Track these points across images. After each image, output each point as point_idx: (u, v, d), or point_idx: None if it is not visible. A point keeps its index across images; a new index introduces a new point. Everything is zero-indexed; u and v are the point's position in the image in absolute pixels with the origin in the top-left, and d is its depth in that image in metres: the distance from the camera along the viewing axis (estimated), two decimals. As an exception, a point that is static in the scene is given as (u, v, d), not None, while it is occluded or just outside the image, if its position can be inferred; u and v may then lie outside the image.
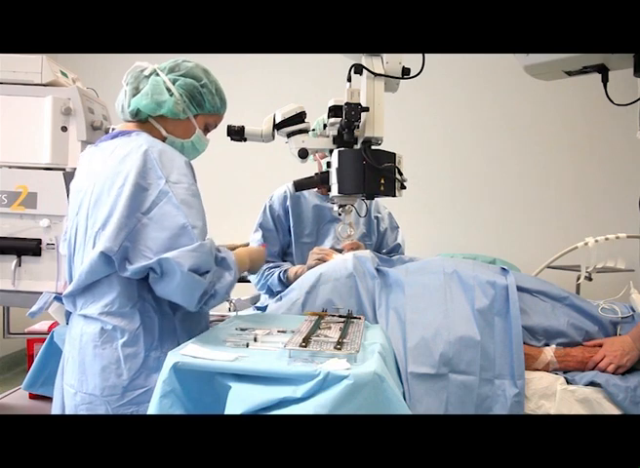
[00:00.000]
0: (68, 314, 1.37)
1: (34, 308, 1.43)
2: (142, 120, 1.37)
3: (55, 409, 1.35)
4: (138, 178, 1.19)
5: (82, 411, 1.22)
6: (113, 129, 1.43)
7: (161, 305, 1.24)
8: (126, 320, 1.21)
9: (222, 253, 1.26)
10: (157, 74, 1.35)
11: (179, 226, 1.17)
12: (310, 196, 2.19)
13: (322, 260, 1.88)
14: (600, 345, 1.46)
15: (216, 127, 1.46)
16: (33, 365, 1.60)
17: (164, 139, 1.37)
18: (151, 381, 1.17)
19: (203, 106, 1.38)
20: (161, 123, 1.37)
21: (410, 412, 1.04)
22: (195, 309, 1.21)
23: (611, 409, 1.34)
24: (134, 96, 1.35)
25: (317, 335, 1.17)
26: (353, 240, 1.83)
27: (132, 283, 1.22)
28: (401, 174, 1.45)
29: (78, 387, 1.23)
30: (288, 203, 2.16)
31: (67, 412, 1.27)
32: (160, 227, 1.17)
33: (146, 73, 1.35)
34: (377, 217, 2.25)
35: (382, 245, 2.25)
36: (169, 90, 1.34)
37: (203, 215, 1.23)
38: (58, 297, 1.38)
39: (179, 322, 1.27)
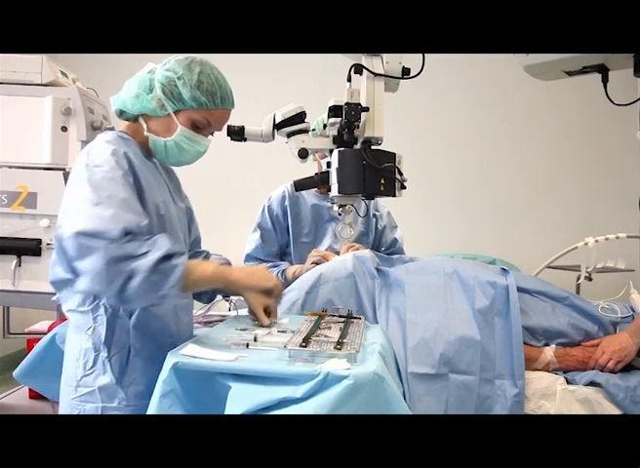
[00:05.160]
0: None
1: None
2: (131, 119, 1.33)
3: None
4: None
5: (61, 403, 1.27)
6: (112, 128, 1.43)
7: (115, 308, 1.22)
8: (85, 318, 1.23)
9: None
10: (153, 72, 1.31)
11: None
12: (309, 195, 2.19)
13: (319, 263, 1.88)
14: (598, 345, 1.47)
15: (211, 125, 1.31)
16: (29, 355, 1.55)
17: (147, 139, 1.32)
18: (97, 383, 1.20)
19: (183, 101, 1.26)
20: (145, 121, 1.31)
21: (410, 412, 1.04)
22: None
23: (611, 409, 1.34)
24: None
25: (317, 335, 1.17)
26: (352, 240, 1.83)
27: None
28: (401, 174, 1.45)
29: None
30: (286, 203, 2.17)
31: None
32: None
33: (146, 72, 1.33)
34: (375, 215, 2.25)
35: (381, 242, 2.26)
36: (151, 86, 1.28)
37: None
38: None
39: (133, 326, 1.23)
